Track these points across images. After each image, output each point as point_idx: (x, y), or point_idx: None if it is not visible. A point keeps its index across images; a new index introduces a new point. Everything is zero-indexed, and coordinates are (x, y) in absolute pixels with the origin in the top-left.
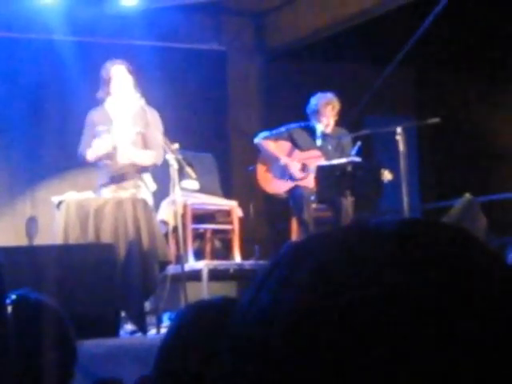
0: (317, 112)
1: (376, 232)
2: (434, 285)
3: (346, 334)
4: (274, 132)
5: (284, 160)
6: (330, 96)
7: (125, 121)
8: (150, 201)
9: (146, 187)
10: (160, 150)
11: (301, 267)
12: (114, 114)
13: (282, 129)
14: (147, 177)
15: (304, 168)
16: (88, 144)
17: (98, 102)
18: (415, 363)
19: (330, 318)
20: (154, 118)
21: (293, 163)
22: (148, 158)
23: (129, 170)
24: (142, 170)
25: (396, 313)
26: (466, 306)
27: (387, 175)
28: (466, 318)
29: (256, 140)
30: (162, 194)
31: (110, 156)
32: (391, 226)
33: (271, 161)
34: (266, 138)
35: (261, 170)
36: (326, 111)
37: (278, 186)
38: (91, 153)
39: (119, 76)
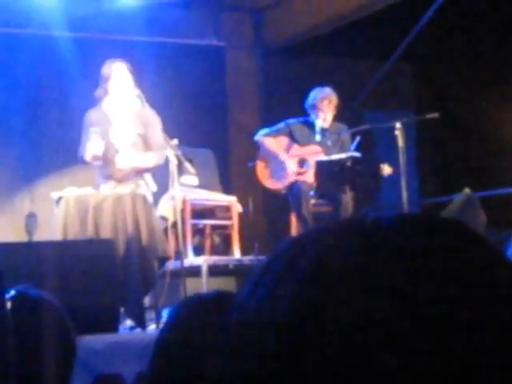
0: (314, 106)
1: (375, 226)
2: (434, 279)
3: (345, 328)
4: (274, 128)
5: (282, 157)
6: (327, 90)
7: (124, 122)
8: (150, 198)
9: (147, 186)
10: (162, 150)
11: (298, 262)
12: (113, 115)
13: (281, 124)
14: (148, 177)
15: (301, 163)
16: (86, 145)
17: (96, 99)
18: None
19: (327, 313)
20: (153, 117)
21: (290, 161)
22: (150, 160)
23: (128, 173)
24: (143, 171)
25: (395, 305)
26: (467, 299)
27: (387, 169)
28: (467, 309)
29: (256, 137)
30: (161, 189)
31: (107, 159)
32: (390, 221)
33: (271, 158)
34: (266, 135)
35: (260, 166)
36: (322, 106)
37: (276, 182)
38: (87, 155)
39: (119, 74)
